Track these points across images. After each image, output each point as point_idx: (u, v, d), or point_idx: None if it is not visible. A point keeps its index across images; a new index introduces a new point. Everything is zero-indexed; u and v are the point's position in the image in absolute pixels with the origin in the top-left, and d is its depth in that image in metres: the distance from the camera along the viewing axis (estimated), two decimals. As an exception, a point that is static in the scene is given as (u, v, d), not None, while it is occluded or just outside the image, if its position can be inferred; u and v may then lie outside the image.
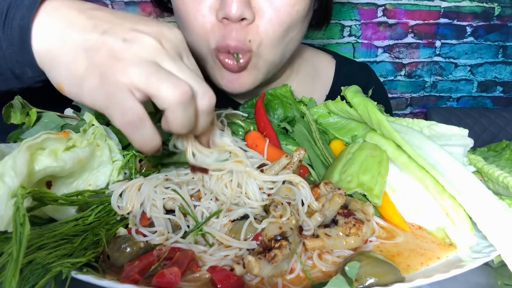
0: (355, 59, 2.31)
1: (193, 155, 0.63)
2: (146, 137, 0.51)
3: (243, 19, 0.75)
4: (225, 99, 1.05)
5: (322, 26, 1.05)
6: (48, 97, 0.67)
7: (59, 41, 0.51)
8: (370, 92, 0.84)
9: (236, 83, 0.85)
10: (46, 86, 0.57)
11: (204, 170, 0.63)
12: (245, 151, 0.72)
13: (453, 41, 2.38)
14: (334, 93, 1.11)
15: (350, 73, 1.18)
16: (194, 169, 0.62)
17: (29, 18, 0.51)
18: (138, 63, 0.48)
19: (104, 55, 0.49)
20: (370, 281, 0.50)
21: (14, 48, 0.53)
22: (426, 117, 2.41)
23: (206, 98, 0.53)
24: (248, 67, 0.83)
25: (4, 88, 0.59)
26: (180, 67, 0.52)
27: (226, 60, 0.80)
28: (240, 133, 0.80)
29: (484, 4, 2.32)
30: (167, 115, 0.51)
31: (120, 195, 0.61)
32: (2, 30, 0.52)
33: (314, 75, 1.16)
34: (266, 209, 0.61)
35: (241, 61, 0.80)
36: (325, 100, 1.02)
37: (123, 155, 0.68)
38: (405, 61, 2.39)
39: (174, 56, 0.52)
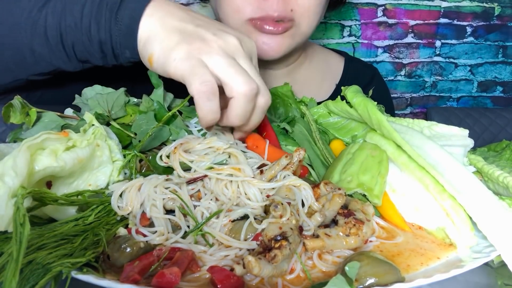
0: (356, 59, 2.32)
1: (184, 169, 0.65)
2: (212, 109, 0.59)
3: None
4: None
5: (338, 6, 1.20)
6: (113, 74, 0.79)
7: (159, 25, 0.61)
8: (370, 92, 0.84)
9: (272, 46, 0.92)
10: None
11: (202, 177, 0.64)
12: (245, 152, 0.72)
13: (453, 41, 2.38)
14: (342, 83, 1.21)
15: (357, 69, 1.28)
16: (191, 181, 0.63)
17: (141, 11, 0.62)
18: (222, 53, 0.59)
19: (195, 39, 0.59)
20: (370, 281, 0.50)
21: (122, 33, 0.64)
22: (426, 117, 2.41)
23: (265, 97, 0.65)
24: (286, 34, 0.91)
25: (101, 64, 0.71)
26: (251, 67, 0.62)
27: (265, 26, 0.89)
28: None
29: (484, 4, 2.31)
30: (231, 103, 0.60)
31: (120, 195, 0.60)
32: (115, 17, 0.63)
33: (324, 67, 1.26)
34: (266, 209, 0.61)
35: (281, 28, 0.88)
36: (334, 90, 1.18)
37: (124, 155, 0.68)
38: (405, 61, 2.39)
39: (248, 57, 0.63)
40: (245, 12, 0.88)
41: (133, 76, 0.89)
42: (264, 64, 1.11)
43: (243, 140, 0.75)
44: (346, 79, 1.25)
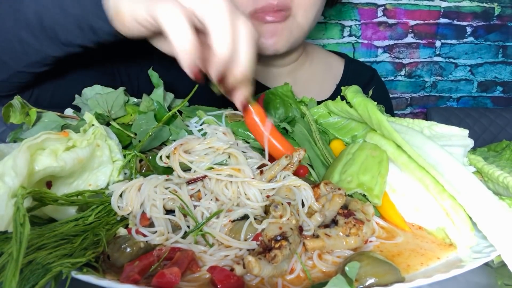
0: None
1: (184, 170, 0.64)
2: (188, 37, 0.56)
3: None
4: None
5: (334, 4, 1.23)
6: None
7: None
8: (370, 92, 0.84)
9: (274, 36, 0.94)
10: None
11: (202, 177, 0.64)
12: (244, 152, 0.72)
13: (453, 41, 2.38)
14: (343, 83, 1.24)
15: (357, 69, 1.30)
16: (191, 182, 0.63)
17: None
18: None
19: None
20: (370, 281, 0.50)
21: (92, 3, 0.65)
22: (426, 117, 2.41)
23: (247, 25, 0.60)
24: (284, 25, 0.94)
25: (83, 43, 0.72)
26: None
27: (267, 17, 0.91)
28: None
29: (484, 4, 2.31)
30: (210, 27, 0.57)
31: (120, 195, 0.60)
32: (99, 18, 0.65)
33: (325, 68, 1.28)
34: (266, 209, 0.61)
35: (281, 16, 0.91)
36: (334, 89, 1.20)
37: (124, 155, 0.68)
38: (405, 61, 2.39)
39: None
40: (247, 5, 0.90)
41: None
42: (266, 61, 1.14)
43: (247, 102, 0.69)
44: (346, 80, 1.26)
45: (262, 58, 1.09)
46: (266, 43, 0.96)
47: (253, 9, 0.91)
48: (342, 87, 0.83)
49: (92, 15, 0.66)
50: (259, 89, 0.97)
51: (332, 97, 1.10)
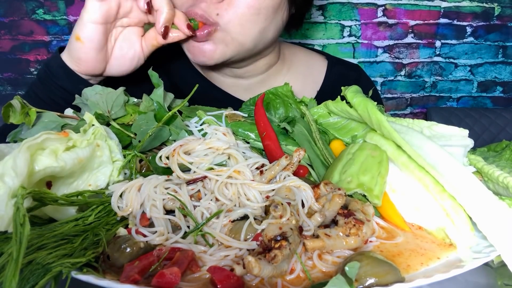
0: (355, 60, 2.31)
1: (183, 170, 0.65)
2: None
3: None
4: (228, 99, 1.10)
5: (290, 30, 1.13)
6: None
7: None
8: (370, 92, 0.84)
9: (202, 52, 0.91)
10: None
11: (202, 178, 0.64)
12: (244, 152, 0.72)
13: (453, 41, 2.38)
14: (324, 90, 1.18)
15: (341, 72, 1.22)
16: (190, 182, 0.63)
17: (60, 59, 0.84)
18: None
19: None
20: (370, 281, 0.50)
21: (65, 79, 0.84)
22: (426, 117, 2.41)
23: None
24: (215, 40, 0.90)
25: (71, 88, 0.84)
26: None
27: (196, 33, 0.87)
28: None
29: (484, 4, 2.32)
30: None
31: (120, 195, 0.60)
32: (64, 77, 0.84)
33: (306, 73, 1.20)
34: (266, 209, 0.61)
35: (205, 31, 0.87)
36: (315, 97, 1.10)
37: (124, 155, 0.68)
38: (405, 61, 2.39)
39: None
40: (181, 7, 0.88)
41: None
42: (232, 75, 1.10)
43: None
44: (328, 86, 1.19)
45: (227, 71, 1.08)
46: (195, 55, 0.93)
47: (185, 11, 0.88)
48: (342, 87, 0.83)
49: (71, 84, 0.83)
50: (234, 103, 0.96)
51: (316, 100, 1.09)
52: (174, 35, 0.84)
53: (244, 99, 0.99)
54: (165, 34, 0.81)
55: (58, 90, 0.85)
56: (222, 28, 0.88)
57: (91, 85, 0.81)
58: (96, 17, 0.78)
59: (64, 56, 0.84)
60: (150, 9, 0.79)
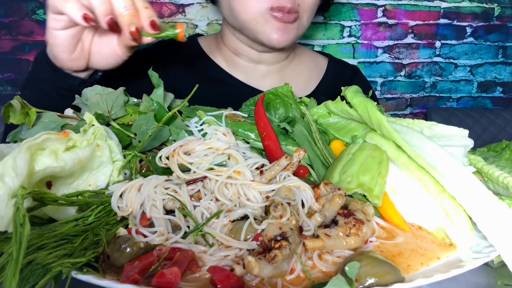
0: (355, 60, 2.31)
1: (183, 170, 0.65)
2: None
3: None
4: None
5: (323, 10, 1.37)
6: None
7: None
8: (370, 92, 0.84)
9: (284, 33, 1.07)
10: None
11: (202, 178, 0.63)
12: (244, 153, 0.72)
13: (453, 42, 2.38)
14: (322, 84, 1.33)
15: (339, 69, 1.40)
16: (190, 182, 0.63)
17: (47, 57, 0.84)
18: None
19: None
20: (370, 281, 0.50)
21: (53, 74, 0.85)
22: (426, 118, 2.41)
23: None
24: (294, 25, 1.08)
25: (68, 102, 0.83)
26: None
27: (281, 15, 1.04)
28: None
29: (484, 5, 2.32)
30: None
31: (120, 195, 0.60)
32: (52, 72, 0.84)
33: (311, 66, 1.38)
34: (266, 209, 0.61)
35: (294, 16, 1.06)
36: (316, 87, 1.29)
37: (124, 155, 0.68)
38: (405, 62, 2.39)
39: None
40: (264, 2, 1.03)
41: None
42: (257, 59, 1.22)
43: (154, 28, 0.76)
44: (327, 78, 1.35)
45: (254, 56, 1.20)
46: (273, 36, 1.07)
47: (269, 6, 1.03)
48: (342, 87, 0.83)
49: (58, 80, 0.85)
50: (252, 91, 1.11)
51: (314, 94, 1.26)
52: (148, 38, 0.76)
53: (260, 86, 1.20)
54: (134, 38, 0.74)
55: (50, 84, 0.86)
56: (300, 16, 1.07)
57: (78, 79, 0.85)
58: (55, 25, 0.76)
59: (48, 52, 0.84)
60: (113, 25, 0.73)
